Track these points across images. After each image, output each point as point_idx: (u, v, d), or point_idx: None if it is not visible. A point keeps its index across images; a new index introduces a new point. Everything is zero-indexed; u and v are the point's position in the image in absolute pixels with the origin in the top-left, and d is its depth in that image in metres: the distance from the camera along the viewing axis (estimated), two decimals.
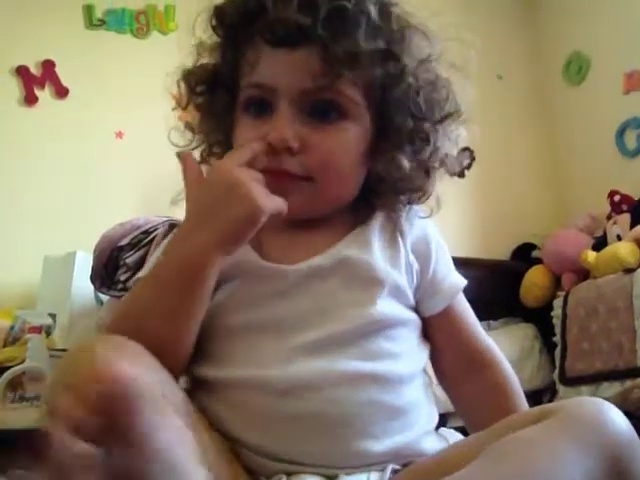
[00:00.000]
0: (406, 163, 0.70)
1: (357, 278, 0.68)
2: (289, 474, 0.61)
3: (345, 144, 0.69)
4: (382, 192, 0.73)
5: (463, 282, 0.78)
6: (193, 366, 0.67)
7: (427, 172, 0.72)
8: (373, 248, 0.70)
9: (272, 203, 0.63)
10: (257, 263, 0.67)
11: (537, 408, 0.63)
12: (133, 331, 0.60)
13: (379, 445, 0.63)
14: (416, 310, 0.74)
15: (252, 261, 0.68)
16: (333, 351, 0.64)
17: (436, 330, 0.75)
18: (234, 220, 0.61)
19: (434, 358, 0.76)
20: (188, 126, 0.78)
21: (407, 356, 0.69)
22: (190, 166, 0.68)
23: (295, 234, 0.71)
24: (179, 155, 0.71)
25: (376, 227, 0.73)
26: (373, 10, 0.67)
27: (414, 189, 0.73)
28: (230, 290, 0.66)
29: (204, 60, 0.74)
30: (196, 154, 0.76)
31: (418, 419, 0.67)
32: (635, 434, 0.54)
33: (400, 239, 0.73)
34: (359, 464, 0.62)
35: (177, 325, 0.62)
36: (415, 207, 0.75)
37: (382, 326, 0.67)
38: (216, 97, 0.74)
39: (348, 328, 0.65)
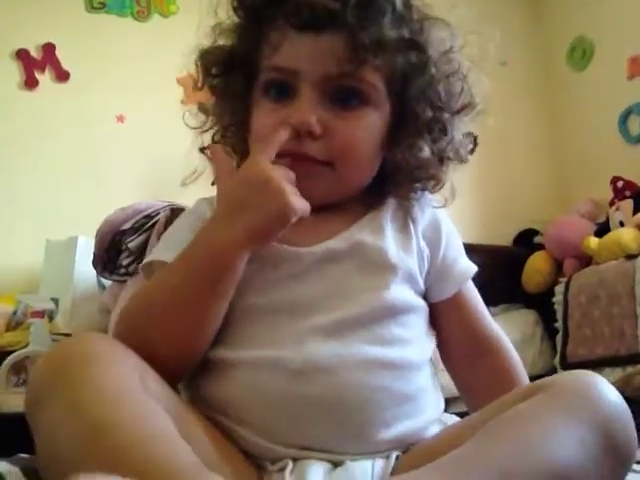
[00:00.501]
0: (426, 151, 0.70)
1: (371, 263, 0.69)
2: (295, 459, 0.61)
3: (366, 131, 0.70)
4: (397, 180, 0.73)
5: (474, 268, 0.78)
6: None
7: (442, 161, 0.73)
8: (386, 234, 0.71)
9: (301, 204, 0.64)
10: (272, 246, 0.68)
11: (528, 384, 0.65)
12: (158, 318, 0.63)
13: (388, 432, 0.63)
14: (424, 296, 0.74)
15: (272, 246, 0.68)
16: (346, 335, 0.65)
17: (445, 315, 0.76)
18: (266, 217, 0.63)
19: (441, 343, 0.76)
20: (202, 108, 0.78)
21: (417, 342, 0.69)
22: (221, 159, 0.69)
23: (308, 218, 0.71)
24: (206, 149, 0.71)
25: (389, 213, 0.73)
26: (398, 0, 0.69)
27: (429, 177, 0.73)
28: (245, 272, 0.66)
29: (221, 41, 0.74)
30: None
31: (426, 407, 0.68)
32: (626, 406, 0.56)
33: (412, 225, 0.74)
34: (366, 450, 0.62)
35: (203, 314, 0.64)
36: (429, 196, 0.76)
37: (394, 312, 0.68)
38: (232, 79, 0.74)
39: (361, 312, 0.66)
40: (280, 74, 0.69)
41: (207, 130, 0.77)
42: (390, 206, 0.74)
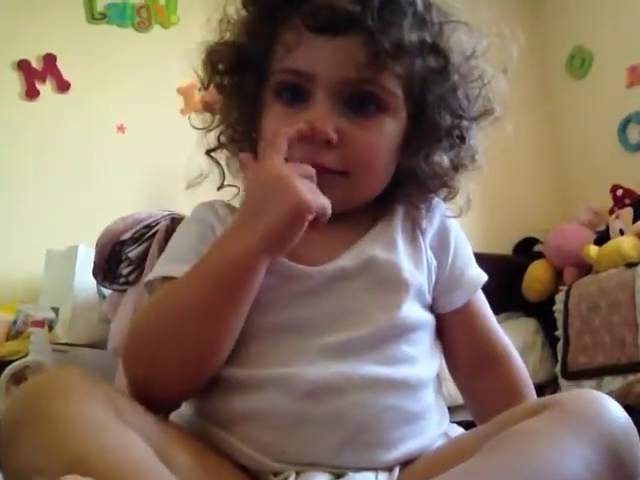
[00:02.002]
0: (444, 161, 0.68)
1: (383, 280, 0.67)
2: (298, 472, 0.60)
3: (382, 139, 0.67)
4: (410, 187, 0.71)
5: (484, 277, 0.76)
6: None
7: (457, 169, 0.71)
8: (398, 248, 0.69)
9: (318, 200, 0.60)
10: (282, 263, 0.65)
11: (535, 401, 0.63)
12: (173, 332, 0.60)
13: (396, 451, 0.62)
14: (431, 307, 0.72)
15: (277, 261, 0.65)
16: (355, 354, 0.63)
17: (453, 326, 0.74)
18: (279, 218, 0.59)
19: (448, 353, 0.74)
20: (207, 107, 0.75)
21: (424, 360, 0.68)
22: (252, 164, 0.66)
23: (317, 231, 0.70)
24: (240, 160, 0.70)
25: (399, 224, 0.71)
26: (419, 1, 0.66)
27: (443, 186, 0.71)
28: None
29: (229, 37, 0.71)
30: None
31: (431, 423, 0.66)
32: (633, 426, 0.55)
33: (420, 236, 0.72)
34: (371, 466, 0.61)
35: (219, 326, 0.61)
36: (442, 205, 0.74)
37: (404, 330, 0.66)
38: (241, 77, 0.71)
39: (371, 332, 0.64)
40: (294, 77, 0.66)
41: (213, 129, 0.74)
42: (399, 215, 0.72)
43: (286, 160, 0.63)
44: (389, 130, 0.67)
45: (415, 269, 0.69)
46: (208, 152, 0.74)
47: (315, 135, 0.64)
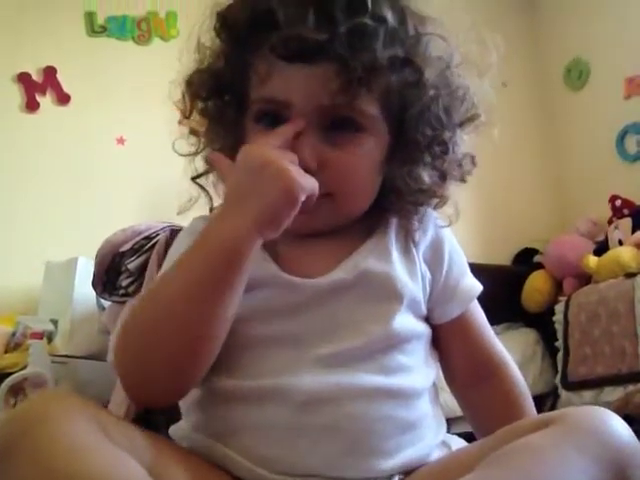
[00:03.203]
0: (425, 176, 0.68)
1: (377, 292, 0.67)
2: None
3: (363, 158, 0.67)
4: (398, 200, 0.70)
5: (479, 287, 0.76)
6: (206, 376, 0.65)
7: (444, 179, 0.71)
8: (392, 259, 0.69)
9: (308, 182, 0.60)
10: (277, 275, 0.66)
11: (539, 416, 0.63)
12: (164, 316, 0.59)
13: (392, 460, 0.62)
14: (427, 318, 0.72)
15: (272, 273, 0.66)
16: (350, 365, 0.63)
17: (449, 337, 0.74)
18: (271, 199, 0.59)
19: (445, 364, 0.75)
20: (193, 132, 0.75)
21: (420, 369, 0.68)
22: (224, 162, 0.66)
23: (311, 243, 0.69)
24: (209, 158, 0.70)
25: (392, 235, 0.71)
26: (390, 16, 0.64)
27: (431, 196, 0.71)
28: (249, 301, 0.64)
29: (207, 63, 0.71)
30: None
31: (428, 432, 0.66)
32: (637, 442, 0.54)
33: (414, 248, 0.72)
34: (369, 476, 0.61)
35: (210, 312, 0.59)
36: (433, 214, 0.74)
37: (398, 341, 0.67)
38: (222, 102, 0.72)
39: (366, 342, 0.64)
40: (272, 105, 0.66)
41: (199, 152, 0.74)
42: (393, 227, 0.72)
43: None
44: (368, 149, 0.67)
45: (410, 280, 0.69)
46: (193, 179, 0.74)
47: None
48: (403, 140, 0.68)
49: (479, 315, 0.77)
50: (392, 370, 0.65)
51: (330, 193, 0.66)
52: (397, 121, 0.68)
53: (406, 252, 0.71)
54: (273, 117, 0.67)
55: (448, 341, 0.74)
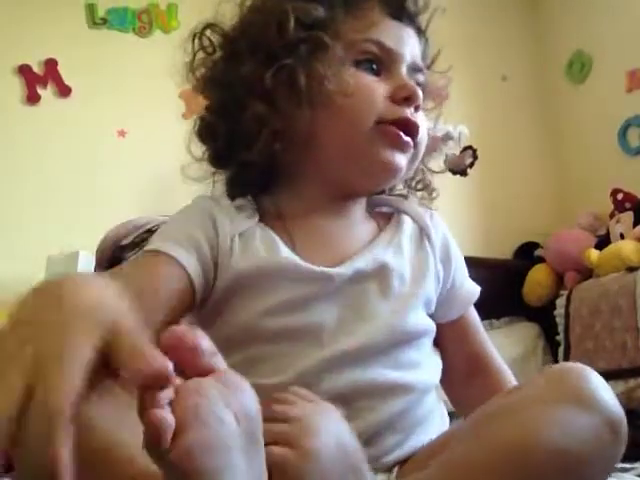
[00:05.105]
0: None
1: (391, 286, 0.68)
2: None
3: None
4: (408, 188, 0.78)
5: (478, 290, 0.78)
6: None
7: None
8: (405, 255, 0.71)
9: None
10: (297, 264, 0.65)
11: (522, 383, 0.63)
12: None
13: (394, 454, 0.62)
14: (431, 316, 0.73)
15: (291, 262, 0.65)
16: (367, 360, 0.63)
17: (447, 336, 0.75)
18: None
19: (441, 361, 0.75)
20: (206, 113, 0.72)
21: (429, 364, 0.69)
22: None
23: (323, 227, 0.70)
24: None
25: (407, 231, 0.73)
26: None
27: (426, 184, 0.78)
28: (269, 293, 0.64)
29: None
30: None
31: (433, 426, 0.67)
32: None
33: (428, 245, 0.73)
34: (374, 467, 0.61)
35: None
36: (439, 217, 0.77)
37: (412, 336, 0.67)
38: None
39: (382, 337, 0.65)
40: (377, 49, 0.70)
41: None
42: (407, 224, 0.74)
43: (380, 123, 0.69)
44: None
45: (422, 278, 0.70)
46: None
47: (416, 97, 0.69)
48: None
49: (476, 317, 0.79)
50: (405, 366, 0.65)
51: (416, 143, 0.71)
52: None
53: (419, 249, 0.73)
54: (370, 63, 0.70)
55: (446, 340, 0.75)
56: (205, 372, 0.40)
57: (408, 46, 0.71)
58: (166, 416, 0.36)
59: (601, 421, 0.51)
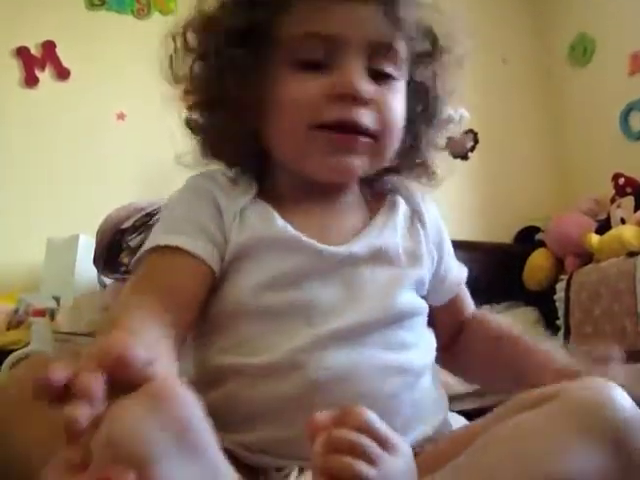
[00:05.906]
0: (434, 136, 0.73)
1: (386, 268, 0.68)
2: (300, 467, 0.59)
3: (401, 105, 0.69)
4: (404, 163, 0.74)
5: (465, 272, 0.79)
6: (213, 353, 0.64)
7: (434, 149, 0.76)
8: (401, 237, 0.71)
9: None
10: (292, 234, 0.66)
11: (538, 391, 0.62)
12: None
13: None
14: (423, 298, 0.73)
15: (287, 231, 0.66)
16: (362, 340, 0.63)
17: (438, 315, 0.76)
18: None
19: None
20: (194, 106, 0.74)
21: (422, 346, 0.69)
22: None
23: (320, 209, 0.70)
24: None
25: (401, 214, 0.73)
26: None
27: (428, 165, 0.76)
28: (263, 267, 0.64)
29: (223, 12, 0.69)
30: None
31: (430, 411, 0.67)
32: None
33: (420, 228, 0.73)
34: None
35: None
36: (427, 197, 0.77)
37: (404, 316, 0.67)
38: (243, 50, 0.67)
39: (376, 317, 0.65)
40: (319, 41, 0.65)
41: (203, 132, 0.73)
42: (401, 207, 0.74)
43: (321, 127, 0.64)
44: (402, 97, 0.69)
45: (416, 260, 0.71)
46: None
47: (351, 91, 0.63)
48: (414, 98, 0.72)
49: (465, 293, 0.80)
50: (400, 346, 0.66)
51: (375, 135, 0.66)
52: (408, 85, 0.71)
53: (412, 231, 0.73)
54: (315, 58, 0.65)
55: (436, 318, 0.76)
56: (138, 382, 0.39)
57: (362, 28, 0.65)
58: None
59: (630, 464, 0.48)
